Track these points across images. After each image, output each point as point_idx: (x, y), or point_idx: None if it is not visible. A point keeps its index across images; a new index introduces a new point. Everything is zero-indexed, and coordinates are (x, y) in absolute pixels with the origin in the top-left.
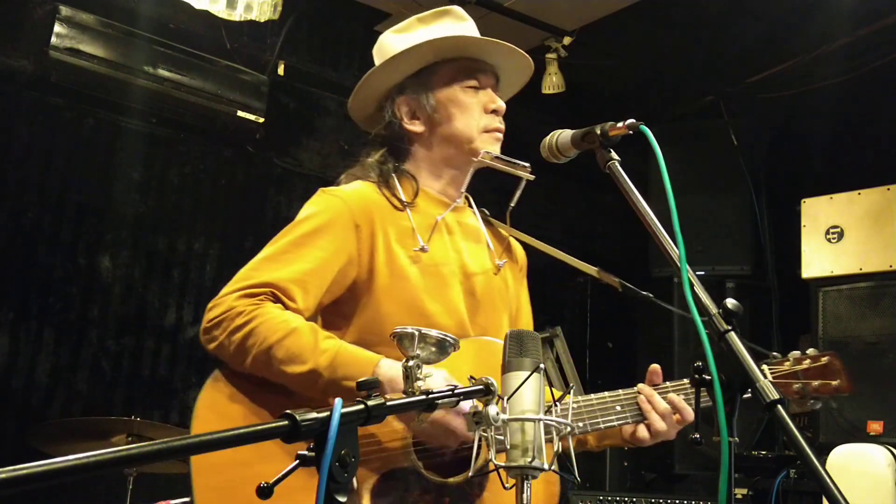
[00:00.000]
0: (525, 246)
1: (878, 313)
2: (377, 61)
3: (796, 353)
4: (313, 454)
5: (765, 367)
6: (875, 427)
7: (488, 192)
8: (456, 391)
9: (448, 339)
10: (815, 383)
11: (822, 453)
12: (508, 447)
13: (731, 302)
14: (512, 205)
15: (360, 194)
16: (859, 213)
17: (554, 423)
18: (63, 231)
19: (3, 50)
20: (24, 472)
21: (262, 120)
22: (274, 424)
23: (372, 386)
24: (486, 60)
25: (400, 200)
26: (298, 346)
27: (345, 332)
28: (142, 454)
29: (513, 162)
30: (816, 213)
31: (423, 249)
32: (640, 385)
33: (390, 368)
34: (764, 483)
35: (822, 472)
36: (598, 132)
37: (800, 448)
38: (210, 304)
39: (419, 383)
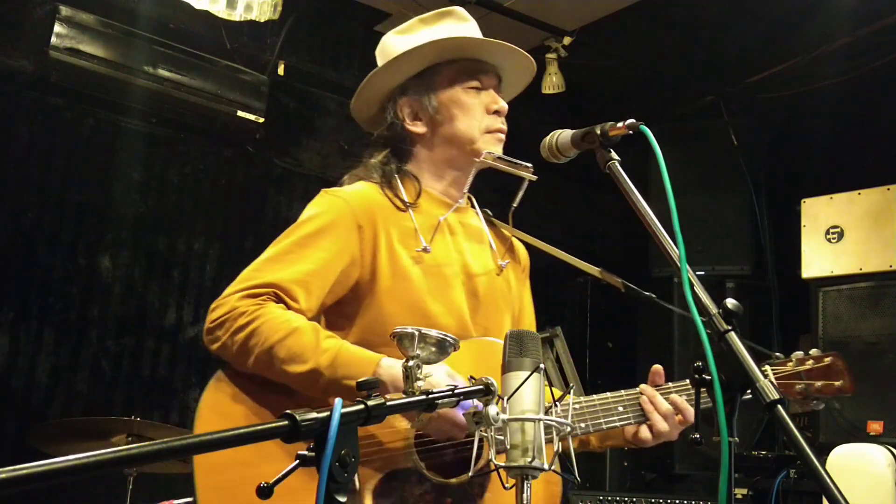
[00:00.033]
0: (527, 246)
1: (878, 313)
2: (380, 62)
3: (799, 354)
4: (313, 454)
5: (768, 367)
6: (875, 427)
7: (489, 192)
8: (456, 391)
9: (448, 338)
10: (818, 384)
11: (822, 453)
12: (508, 447)
13: (731, 302)
14: (514, 205)
15: (363, 195)
16: (859, 213)
17: (554, 423)
18: (63, 231)
19: (3, 50)
20: (24, 472)
21: (262, 120)
22: (274, 424)
23: (372, 386)
24: (488, 61)
25: (402, 201)
26: (300, 345)
27: (347, 333)
28: (142, 454)
29: (515, 162)
30: (816, 213)
31: (425, 250)
32: (643, 386)
33: (391, 368)
34: (764, 483)
35: (822, 472)
36: (598, 132)
37: (800, 448)
38: (213, 305)
39: (419, 383)
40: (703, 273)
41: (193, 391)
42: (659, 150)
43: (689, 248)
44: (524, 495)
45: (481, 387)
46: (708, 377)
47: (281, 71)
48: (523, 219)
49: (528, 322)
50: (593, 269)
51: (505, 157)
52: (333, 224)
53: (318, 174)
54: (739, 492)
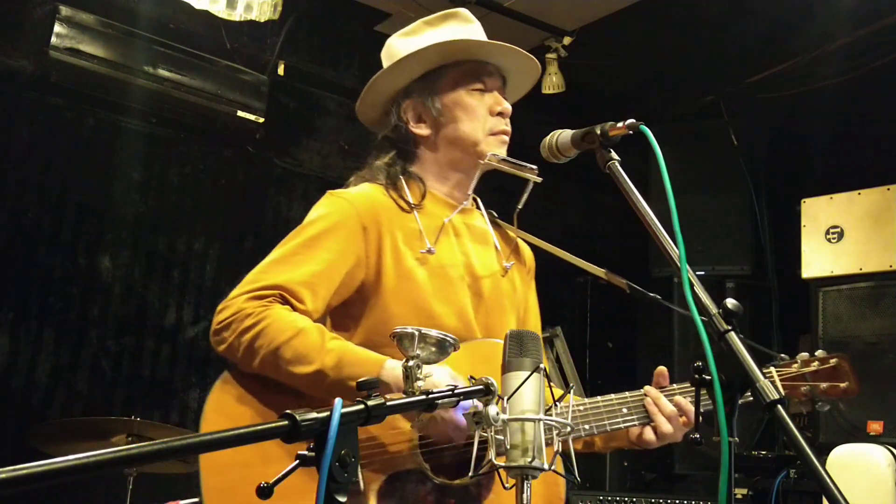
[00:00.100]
0: (531, 247)
1: (878, 313)
2: (385, 64)
3: (805, 355)
4: (313, 454)
5: (772, 369)
6: (875, 427)
7: (489, 192)
8: (456, 391)
9: (448, 338)
10: (823, 385)
11: (822, 453)
12: (508, 447)
13: (731, 302)
14: (519, 206)
15: (368, 196)
16: (859, 213)
17: (554, 423)
18: (63, 231)
19: (3, 50)
20: (24, 472)
21: (262, 120)
22: (274, 424)
23: (372, 386)
24: (492, 63)
25: (407, 202)
26: (305, 346)
27: (353, 334)
28: (142, 454)
29: (520, 164)
30: (816, 213)
31: (430, 251)
32: (647, 387)
33: (395, 369)
34: (764, 483)
35: (822, 472)
36: (598, 132)
37: (800, 448)
38: (219, 307)
39: (419, 383)
40: (703, 273)
41: (193, 391)
42: (659, 150)
43: (689, 248)
44: (524, 495)
45: (481, 387)
46: (708, 377)
47: (281, 71)
48: (523, 219)
49: (534, 323)
50: (599, 271)
51: (509, 158)
52: (338, 226)
53: (318, 174)
54: (739, 492)
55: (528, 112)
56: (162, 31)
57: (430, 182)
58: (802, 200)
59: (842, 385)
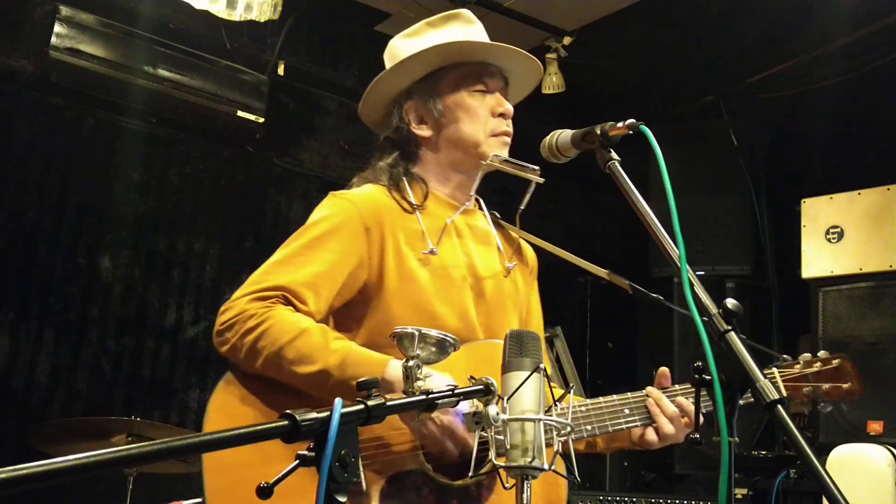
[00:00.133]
0: (534, 247)
1: (878, 313)
2: (387, 65)
3: (807, 356)
4: (313, 454)
5: (775, 369)
6: (875, 427)
7: (489, 192)
8: (456, 391)
9: (448, 338)
10: (826, 386)
11: (822, 453)
12: (508, 447)
13: (731, 302)
14: (521, 207)
15: (370, 197)
16: (859, 213)
17: (554, 423)
18: (63, 231)
19: (3, 50)
20: (24, 472)
21: (262, 120)
22: (274, 424)
23: (372, 386)
24: (493, 64)
25: (409, 203)
26: (308, 346)
27: (355, 335)
28: (142, 454)
29: (522, 165)
30: (816, 213)
31: (432, 252)
32: (649, 388)
33: (398, 369)
34: (764, 483)
35: (822, 472)
36: (598, 132)
37: (800, 448)
38: (222, 308)
39: (419, 383)
40: (703, 273)
41: (193, 391)
42: (659, 150)
43: (689, 248)
44: (524, 495)
45: (481, 387)
46: (708, 377)
47: (281, 71)
48: (523, 219)
49: (536, 324)
50: (601, 271)
51: (511, 159)
52: (341, 226)
53: (318, 174)
54: (739, 492)
55: (529, 112)
56: (162, 31)
57: (432, 183)
58: (802, 200)
59: (844, 386)
